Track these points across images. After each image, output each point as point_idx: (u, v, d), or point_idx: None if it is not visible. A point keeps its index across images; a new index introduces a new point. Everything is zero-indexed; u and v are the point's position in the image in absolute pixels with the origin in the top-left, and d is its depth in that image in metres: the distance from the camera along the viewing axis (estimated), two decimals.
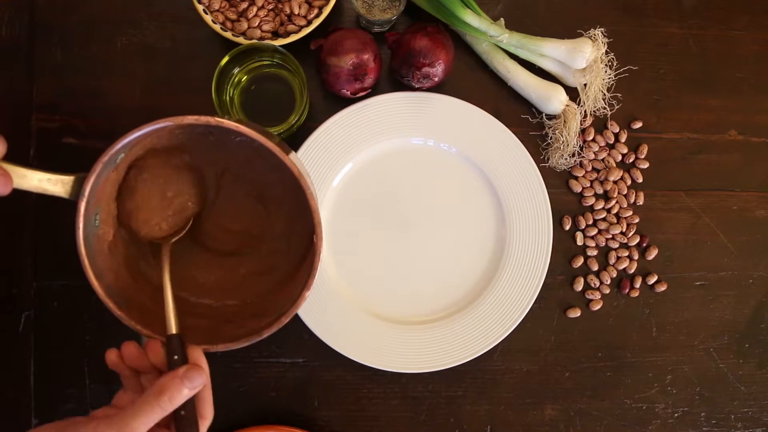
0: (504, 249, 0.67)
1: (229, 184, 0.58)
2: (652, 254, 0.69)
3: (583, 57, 0.65)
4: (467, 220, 0.68)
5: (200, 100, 0.64)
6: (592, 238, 0.69)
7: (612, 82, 0.69)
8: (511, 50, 0.67)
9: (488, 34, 0.65)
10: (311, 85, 0.67)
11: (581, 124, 0.68)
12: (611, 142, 0.70)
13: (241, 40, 0.62)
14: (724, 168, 0.70)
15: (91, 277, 0.48)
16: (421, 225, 0.67)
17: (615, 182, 0.69)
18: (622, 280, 0.69)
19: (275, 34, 0.65)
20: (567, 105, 0.67)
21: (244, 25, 0.64)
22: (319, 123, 0.66)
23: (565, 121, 0.66)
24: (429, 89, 0.66)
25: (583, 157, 0.69)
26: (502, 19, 0.68)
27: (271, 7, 0.65)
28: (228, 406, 0.66)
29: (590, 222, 0.69)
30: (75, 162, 0.66)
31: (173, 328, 0.48)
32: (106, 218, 0.52)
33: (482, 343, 0.65)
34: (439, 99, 0.67)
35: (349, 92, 0.64)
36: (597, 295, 0.68)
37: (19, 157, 0.65)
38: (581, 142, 0.69)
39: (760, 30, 0.71)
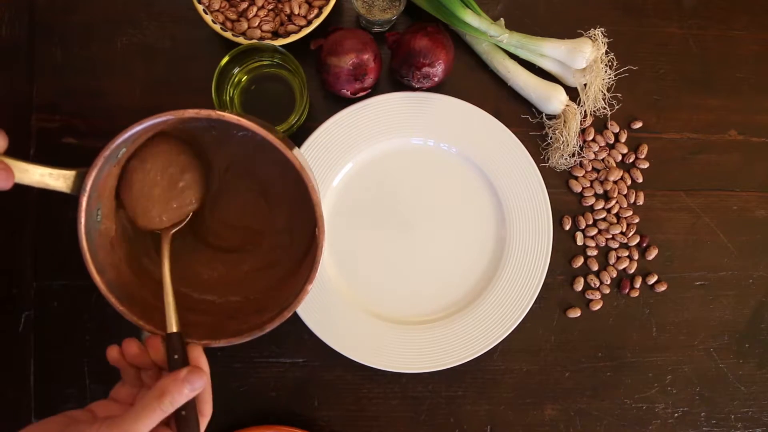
0: (504, 249, 0.67)
1: (232, 179, 0.58)
2: (652, 254, 0.69)
3: (583, 57, 0.65)
4: (467, 220, 0.68)
5: (200, 100, 0.64)
6: (592, 238, 0.69)
7: (612, 82, 0.69)
8: (511, 50, 0.67)
9: (488, 34, 0.65)
10: (311, 85, 0.67)
11: (581, 124, 0.68)
12: (611, 142, 0.70)
13: (241, 40, 0.62)
14: (724, 168, 0.70)
15: (93, 271, 0.48)
16: (421, 225, 0.67)
17: (615, 182, 0.69)
18: (622, 280, 0.69)
19: (275, 34, 0.65)
20: (567, 105, 0.67)
21: (244, 25, 0.64)
22: (319, 123, 0.66)
23: (565, 121, 0.66)
24: (429, 89, 0.66)
25: (583, 157, 0.69)
26: (502, 19, 0.68)
27: (271, 7, 0.65)
28: (228, 406, 0.66)
29: (590, 222, 0.69)
30: (75, 162, 0.66)
31: (174, 326, 0.48)
32: (108, 214, 0.52)
33: (482, 343, 0.65)
34: (439, 99, 0.67)
35: (349, 92, 0.64)
36: (597, 295, 0.68)
37: (19, 156, 0.65)
38: (581, 142, 0.69)
39: (760, 30, 0.71)
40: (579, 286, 0.68)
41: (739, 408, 0.69)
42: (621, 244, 0.69)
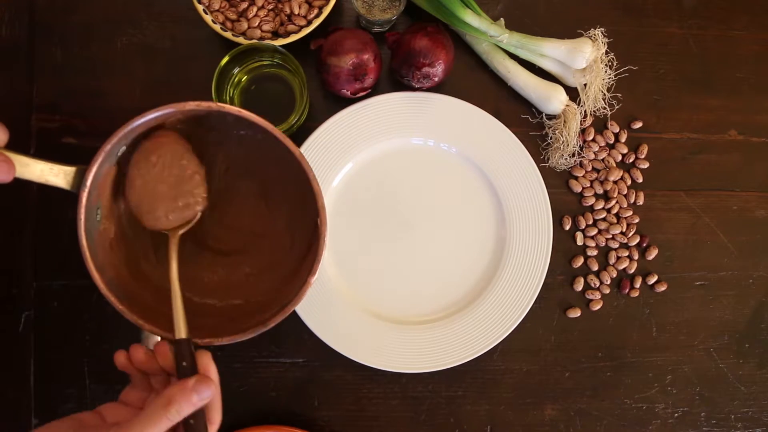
0: (504, 249, 0.67)
1: (232, 181, 0.58)
2: (652, 254, 0.69)
3: (583, 57, 0.65)
4: (467, 220, 0.68)
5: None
6: (592, 238, 0.69)
7: (612, 82, 0.69)
8: (511, 50, 0.67)
9: (488, 34, 0.65)
10: (311, 85, 0.67)
11: (581, 124, 0.68)
12: (611, 142, 0.70)
13: (241, 40, 0.62)
14: (724, 168, 0.70)
15: (93, 270, 0.48)
16: (421, 225, 0.67)
17: (615, 182, 0.69)
18: (622, 280, 0.69)
19: (275, 34, 0.65)
20: (567, 105, 0.67)
21: (244, 25, 0.64)
22: (319, 123, 0.66)
23: (565, 121, 0.66)
24: (429, 89, 0.66)
25: (583, 157, 0.69)
26: (502, 19, 0.68)
27: (271, 7, 0.65)
28: (228, 406, 0.65)
29: (590, 222, 0.69)
30: (75, 162, 0.66)
31: (182, 332, 0.47)
32: (108, 215, 0.52)
33: (482, 343, 0.65)
34: (439, 99, 0.67)
35: (349, 92, 0.64)
36: (597, 295, 0.68)
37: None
38: (581, 142, 0.69)
39: (760, 30, 0.71)
40: (579, 286, 0.68)
41: (739, 408, 0.69)
42: (621, 244, 0.69)
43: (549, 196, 0.66)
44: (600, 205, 0.69)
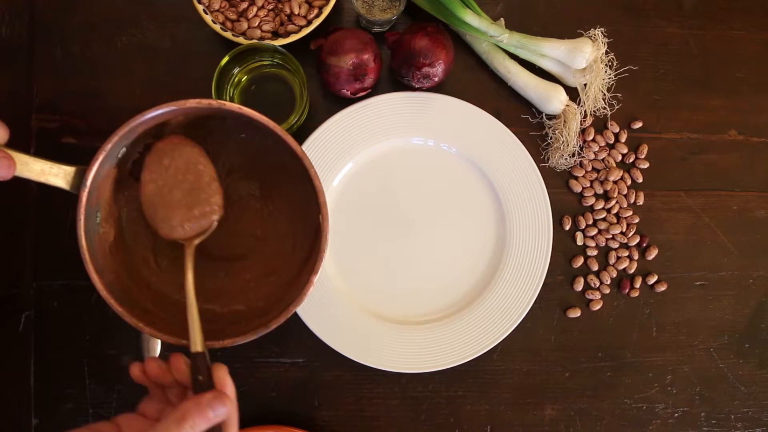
0: (504, 249, 0.67)
1: (233, 185, 0.57)
2: (652, 254, 0.69)
3: (583, 57, 0.65)
4: (467, 220, 0.68)
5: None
6: (592, 238, 0.69)
7: (612, 82, 0.69)
8: (511, 50, 0.67)
9: (488, 34, 0.65)
10: (311, 85, 0.67)
11: (581, 124, 0.68)
12: (611, 142, 0.70)
13: (241, 40, 0.62)
14: (724, 168, 0.70)
15: (92, 272, 0.47)
16: (421, 225, 0.67)
17: (615, 182, 0.69)
18: (622, 280, 0.69)
19: (275, 34, 0.65)
20: (567, 105, 0.67)
21: (244, 25, 0.64)
22: (319, 123, 0.66)
23: (565, 121, 0.66)
24: (429, 89, 0.66)
25: (583, 157, 0.69)
26: (502, 19, 0.68)
27: (271, 7, 0.65)
28: None
29: (590, 222, 0.69)
30: (75, 162, 0.66)
31: (198, 346, 0.46)
32: (107, 218, 0.51)
33: (482, 343, 0.65)
34: (439, 99, 0.67)
35: (349, 92, 0.64)
36: (597, 295, 0.68)
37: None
38: (581, 142, 0.69)
39: (760, 30, 0.71)
40: (579, 286, 0.68)
41: (739, 408, 0.69)
42: (621, 244, 0.69)
43: (549, 196, 0.66)
44: (600, 205, 0.69)
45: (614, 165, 0.69)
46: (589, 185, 0.69)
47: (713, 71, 0.71)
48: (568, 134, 0.66)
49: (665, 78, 0.70)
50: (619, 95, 0.69)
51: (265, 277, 0.57)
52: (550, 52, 0.66)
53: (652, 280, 0.68)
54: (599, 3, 0.70)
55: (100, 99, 0.67)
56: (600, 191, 0.69)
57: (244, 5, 0.64)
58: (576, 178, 0.69)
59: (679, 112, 0.70)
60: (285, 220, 0.58)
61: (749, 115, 0.71)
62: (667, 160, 0.70)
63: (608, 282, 0.68)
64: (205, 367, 0.45)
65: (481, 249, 0.67)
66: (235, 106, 0.47)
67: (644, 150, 0.69)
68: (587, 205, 0.69)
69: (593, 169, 0.69)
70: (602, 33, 0.66)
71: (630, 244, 0.69)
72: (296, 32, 0.63)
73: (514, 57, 0.68)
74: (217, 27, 0.62)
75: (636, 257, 0.69)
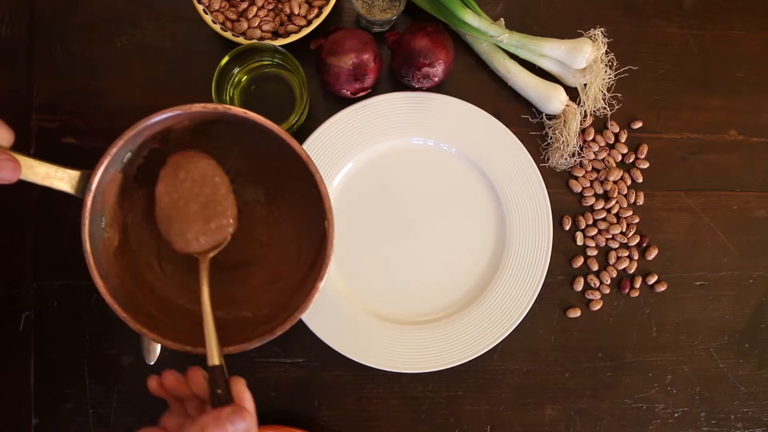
0: (504, 249, 0.67)
1: (240, 190, 0.57)
2: (652, 254, 0.69)
3: (583, 57, 0.65)
4: (467, 220, 0.68)
5: (200, 100, 0.63)
6: (592, 238, 0.69)
7: (612, 82, 0.69)
8: (511, 50, 0.67)
9: (488, 34, 0.65)
10: (311, 85, 0.67)
11: (581, 124, 0.68)
12: (611, 142, 0.70)
13: (241, 40, 0.62)
14: (724, 168, 0.70)
15: (96, 277, 0.47)
16: (421, 225, 0.67)
17: (615, 182, 0.69)
18: (622, 280, 0.69)
19: (275, 34, 0.65)
20: (567, 105, 0.67)
21: (244, 25, 0.64)
22: (319, 123, 0.66)
23: (565, 121, 0.66)
24: (429, 89, 0.66)
25: (583, 157, 0.69)
26: (502, 19, 0.68)
27: (271, 7, 0.65)
28: None
29: (590, 222, 0.69)
30: (75, 162, 0.66)
31: (216, 359, 0.45)
32: (112, 223, 0.51)
33: (482, 343, 0.65)
34: (439, 99, 0.67)
35: (349, 92, 0.64)
36: (597, 295, 0.68)
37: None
38: (581, 142, 0.69)
39: (760, 30, 0.71)
40: (579, 286, 0.68)
41: (739, 408, 0.69)
42: (621, 244, 0.69)
43: (549, 196, 0.66)
44: (600, 205, 0.69)
45: (614, 165, 0.69)
46: (589, 185, 0.69)
47: (713, 71, 0.71)
48: (568, 134, 0.66)
49: (665, 78, 0.70)
50: (619, 95, 0.69)
51: (270, 283, 0.57)
52: (550, 52, 0.66)
53: (652, 280, 0.68)
54: (599, 3, 0.70)
55: (100, 99, 0.67)
56: (600, 191, 0.69)
57: (244, 5, 0.64)
58: (576, 178, 0.69)
59: (679, 112, 0.70)
60: (290, 226, 0.58)
61: (749, 115, 0.71)
62: (667, 160, 0.70)
63: (608, 282, 0.68)
64: (223, 380, 0.45)
65: (481, 249, 0.67)
66: (241, 111, 0.47)
67: (644, 150, 0.69)
68: (587, 205, 0.69)
69: (593, 169, 0.69)
70: (602, 33, 0.66)
71: (630, 244, 0.69)
72: (296, 32, 0.63)
73: (514, 57, 0.68)
74: (217, 27, 0.62)
75: (636, 257, 0.69)
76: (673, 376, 0.68)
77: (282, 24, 0.64)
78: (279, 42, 0.62)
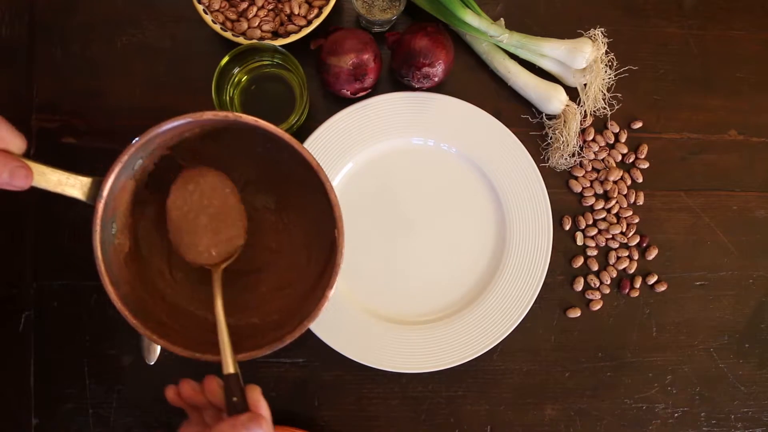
0: (504, 249, 0.67)
1: (250, 197, 0.57)
2: (652, 254, 0.69)
3: (583, 57, 0.65)
4: (467, 220, 0.68)
5: (200, 100, 0.64)
6: (592, 238, 0.69)
7: (612, 82, 0.69)
8: (511, 50, 0.67)
9: (488, 34, 0.65)
10: (311, 85, 0.67)
11: (581, 124, 0.68)
12: (611, 142, 0.70)
13: (241, 40, 0.62)
14: (724, 168, 0.70)
15: (107, 284, 0.47)
16: (421, 225, 0.67)
17: (615, 182, 0.69)
18: (622, 280, 0.69)
19: (275, 34, 0.65)
20: (567, 105, 0.67)
21: (244, 25, 0.64)
22: (319, 123, 0.66)
23: (565, 121, 0.66)
24: (429, 89, 0.66)
25: (583, 157, 0.69)
26: (502, 19, 0.68)
27: (271, 7, 0.65)
28: None
29: (590, 222, 0.69)
30: (75, 162, 0.66)
31: (231, 367, 0.46)
32: (123, 229, 0.51)
33: (482, 343, 0.65)
34: (439, 99, 0.67)
35: (349, 92, 0.64)
36: (597, 295, 0.68)
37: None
38: (581, 142, 0.69)
39: (760, 30, 0.71)
40: (579, 286, 0.68)
41: (739, 408, 0.69)
42: (621, 244, 0.69)
43: (549, 196, 0.66)
44: (600, 205, 0.69)
45: (614, 165, 0.69)
46: (589, 185, 0.69)
47: (713, 71, 0.71)
48: (568, 134, 0.66)
49: (665, 78, 0.70)
50: (619, 95, 0.69)
51: (279, 290, 0.57)
52: (550, 52, 0.66)
53: (652, 280, 0.68)
54: (599, 3, 0.70)
55: (100, 99, 0.67)
56: (600, 191, 0.69)
57: (244, 5, 0.64)
58: (576, 178, 0.69)
59: (679, 112, 0.70)
60: (300, 232, 0.58)
61: (749, 115, 0.71)
62: (667, 160, 0.70)
63: (608, 282, 0.68)
64: (238, 388, 0.45)
65: (481, 249, 0.67)
66: (251, 119, 0.47)
67: (644, 150, 0.69)
68: (587, 205, 0.69)
69: (593, 169, 0.69)
70: (602, 33, 0.66)
71: (630, 244, 0.69)
72: (296, 32, 0.63)
73: (514, 57, 0.68)
74: (217, 27, 0.62)
75: (636, 257, 0.69)
76: (673, 376, 0.68)
77: (282, 24, 0.64)
78: (279, 42, 0.62)
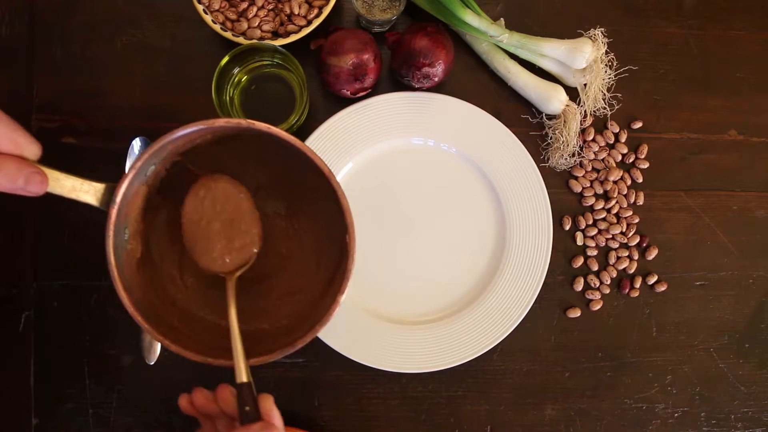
0: (504, 249, 0.67)
1: (261, 202, 0.56)
2: (652, 254, 0.69)
3: (583, 57, 0.65)
4: (467, 220, 0.68)
5: (200, 100, 0.64)
6: (592, 238, 0.69)
7: (612, 82, 0.69)
8: (511, 50, 0.67)
9: (488, 34, 0.65)
10: (311, 85, 0.67)
11: (581, 124, 0.68)
12: (611, 142, 0.70)
13: (241, 40, 0.62)
14: (724, 168, 0.70)
15: (120, 288, 0.47)
16: (421, 225, 0.67)
17: (615, 182, 0.69)
18: (622, 280, 0.69)
19: (275, 34, 0.65)
20: (567, 105, 0.67)
21: (244, 25, 0.64)
22: (319, 123, 0.66)
23: (565, 121, 0.66)
24: (429, 89, 0.66)
25: (583, 157, 0.69)
26: (502, 19, 0.68)
27: (271, 7, 0.65)
28: None
29: (590, 222, 0.69)
30: (75, 162, 0.66)
31: (244, 376, 0.46)
32: (135, 235, 0.51)
33: (482, 343, 0.65)
34: (439, 99, 0.67)
35: (349, 92, 0.64)
36: (597, 295, 0.68)
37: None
38: (581, 142, 0.69)
39: (760, 30, 0.71)
40: (579, 286, 0.68)
41: (739, 408, 0.69)
42: (621, 244, 0.69)
43: (549, 196, 0.66)
44: (600, 205, 0.69)
45: (614, 165, 0.69)
46: (589, 185, 0.69)
47: (713, 71, 0.71)
48: (568, 134, 0.66)
49: (665, 78, 0.70)
50: (619, 95, 0.69)
51: (290, 295, 0.57)
52: (550, 52, 0.66)
53: (652, 280, 0.68)
54: (599, 3, 0.70)
55: (100, 99, 0.67)
56: (600, 191, 0.69)
57: (244, 5, 0.64)
58: (576, 178, 0.69)
59: (679, 112, 0.70)
60: (310, 238, 0.58)
61: (749, 115, 0.71)
62: (667, 160, 0.70)
63: (608, 282, 0.68)
64: (251, 397, 0.45)
65: (481, 249, 0.67)
66: (264, 126, 0.47)
67: (644, 150, 0.69)
68: (587, 205, 0.69)
69: (593, 169, 0.69)
70: (602, 33, 0.66)
71: (630, 244, 0.69)
72: (296, 32, 0.63)
73: (514, 57, 0.68)
74: (217, 27, 0.62)
75: (636, 257, 0.69)
76: (673, 376, 0.68)
77: (282, 24, 0.64)
78: (279, 42, 0.62)
